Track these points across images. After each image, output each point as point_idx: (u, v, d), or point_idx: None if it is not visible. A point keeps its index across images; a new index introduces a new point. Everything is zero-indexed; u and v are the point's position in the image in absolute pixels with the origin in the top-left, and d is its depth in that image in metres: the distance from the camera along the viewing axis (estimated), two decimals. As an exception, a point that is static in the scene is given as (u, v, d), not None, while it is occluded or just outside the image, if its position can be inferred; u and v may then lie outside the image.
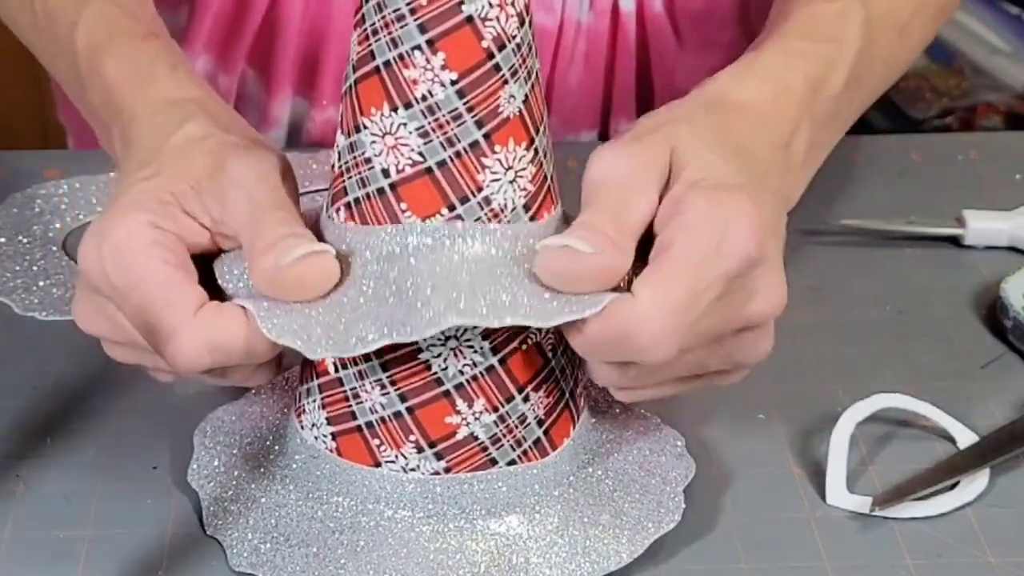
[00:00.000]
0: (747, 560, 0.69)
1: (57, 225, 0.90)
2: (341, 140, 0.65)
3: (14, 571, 0.68)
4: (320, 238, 0.65)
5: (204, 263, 0.67)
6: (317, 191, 0.93)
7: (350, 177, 0.64)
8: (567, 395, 0.68)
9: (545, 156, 0.65)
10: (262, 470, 0.70)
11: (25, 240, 0.88)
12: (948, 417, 0.76)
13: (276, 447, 0.71)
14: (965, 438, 0.75)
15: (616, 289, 0.62)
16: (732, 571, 0.69)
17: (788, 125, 0.72)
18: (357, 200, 0.64)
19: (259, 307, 0.63)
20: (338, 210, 0.65)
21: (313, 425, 0.68)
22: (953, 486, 0.73)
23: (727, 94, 0.71)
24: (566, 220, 0.67)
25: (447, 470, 0.66)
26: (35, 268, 0.86)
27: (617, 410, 0.74)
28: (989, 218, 0.91)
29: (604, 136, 1.02)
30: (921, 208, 0.93)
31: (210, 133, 0.69)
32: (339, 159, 0.65)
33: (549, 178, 0.65)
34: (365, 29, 0.62)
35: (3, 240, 0.88)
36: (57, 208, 0.91)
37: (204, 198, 0.66)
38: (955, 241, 0.91)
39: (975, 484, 0.73)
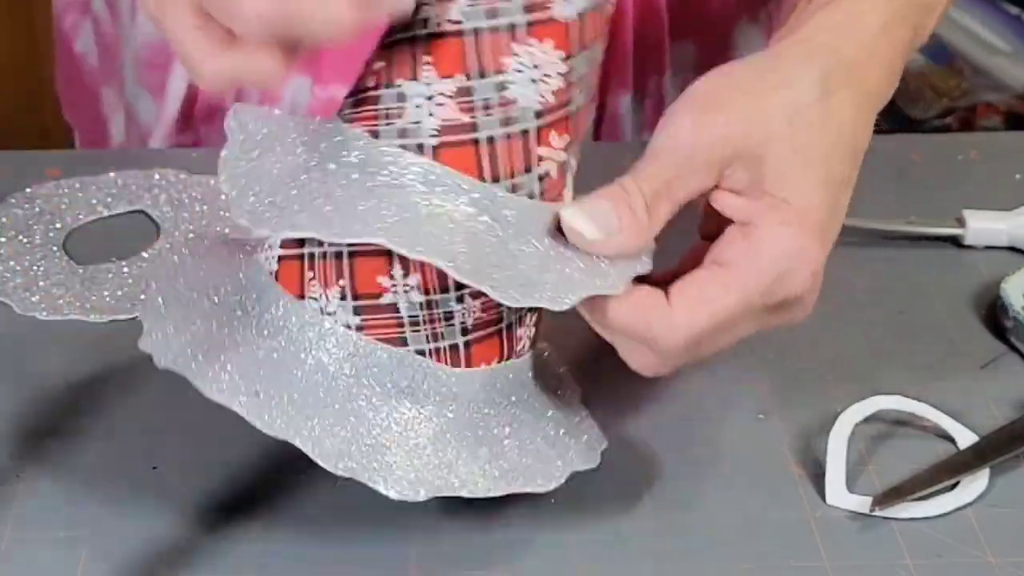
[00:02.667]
0: (747, 560, 0.69)
1: (57, 225, 0.90)
2: None
3: (14, 571, 0.68)
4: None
5: None
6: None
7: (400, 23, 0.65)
8: (503, 325, 0.68)
9: (580, 81, 0.65)
10: (210, 278, 0.71)
11: (25, 240, 0.88)
12: (948, 417, 0.76)
13: (235, 263, 0.71)
14: (965, 438, 0.75)
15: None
16: (732, 571, 0.69)
17: (887, 87, 0.71)
18: (393, 43, 0.65)
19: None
20: (373, 52, 0.66)
21: (269, 247, 0.69)
22: (953, 486, 0.73)
23: (840, 50, 0.68)
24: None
25: (359, 328, 0.66)
26: (35, 268, 0.86)
27: (550, 388, 0.73)
28: (989, 218, 0.91)
29: (601, 113, 1.03)
30: (921, 208, 0.93)
31: None
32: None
33: (574, 106, 0.66)
34: None
35: (3, 240, 0.88)
36: (57, 208, 0.91)
37: None
38: (955, 241, 0.91)
39: (975, 484, 0.73)
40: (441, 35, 0.64)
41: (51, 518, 0.70)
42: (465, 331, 0.67)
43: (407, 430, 0.66)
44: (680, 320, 0.65)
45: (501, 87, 0.64)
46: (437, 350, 0.67)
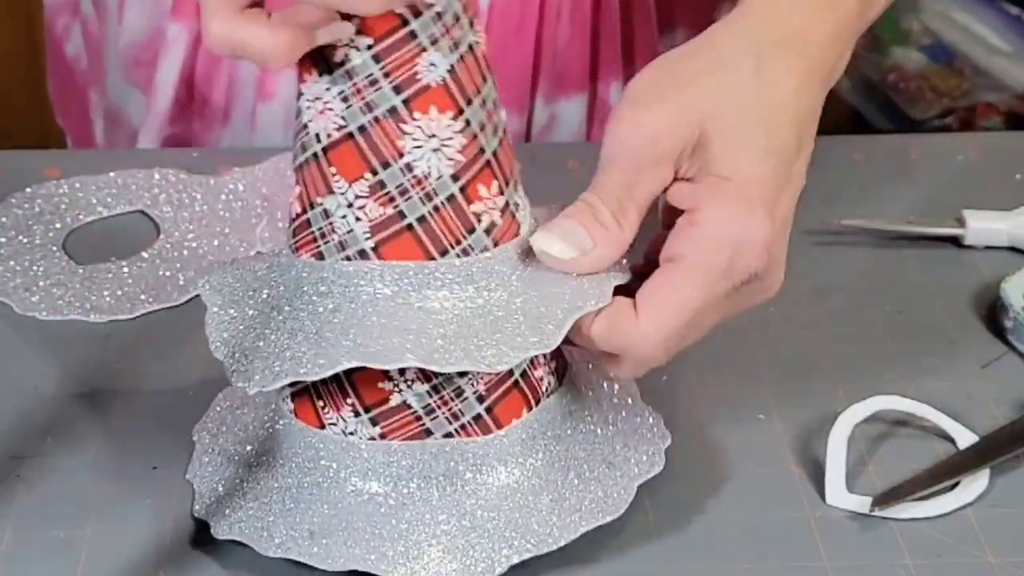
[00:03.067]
0: (747, 560, 0.69)
1: (57, 225, 0.90)
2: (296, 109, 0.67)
3: (14, 571, 0.68)
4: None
5: None
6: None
7: (296, 143, 0.66)
8: (516, 376, 0.68)
9: (482, 129, 0.65)
10: (250, 432, 0.72)
11: (25, 240, 0.88)
12: (948, 418, 0.76)
13: (268, 413, 0.72)
14: (965, 438, 0.75)
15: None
16: (732, 571, 0.69)
17: (835, 58, 0.70)
18: (300, 165, 0.66)
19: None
20: (292, 172, 0.67)
21: (284, 387, 0.69)
22: (953, 486, 0.73)
23: (775, 23, 0.68)
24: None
25: (383, 436, 0.67)
26: (35, 268, 0.86)
27: (605, 404, 0.73)
28: (989, 218, 0.91)
29: (593, 103, 1.03)
30: (921, 208, 0.93)
31: None
32: (296, 125, 0.67)
33: (489, 152, 0.65)
34: None
35: (3, 240, 0.88)
36: (57, 208, 0.91)
37: None
38: (955, 241, 0.91)
39: (975, 484, 0.73)
40: (334, 143, 0.64)
41: (51, 518, 0.70)
42: (481, 399, 0.67)
43: (462, 516, 0.67)
44: (648, 328, 0.65)
45: (408, 169, 0.64)
46: (463, 427, 0.67)
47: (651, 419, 0.73)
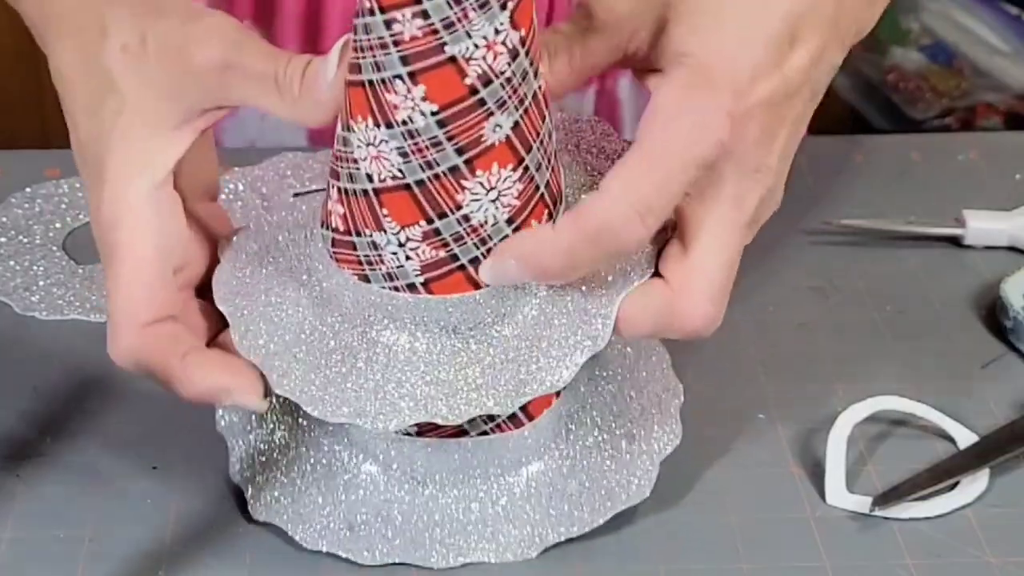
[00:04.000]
0: (747, 560, 0.69)
1: (57, 225, 0.90)
2: (338, 128, 0.65)
3: (14, 571, 0.68)
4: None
5: None
6: (318, 191, 0.92)
7: (342, 167, 0.65)
8: None
9: (538, 168, 0.64)
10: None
11: (25, 240, 0.88)
12: (947, 418, 0.76)
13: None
14: (965, 438, 0.75)
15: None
16: (732, 571, 0.69)
17: None
18: (346, 191, 0.64)
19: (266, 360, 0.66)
20: (334, 190, 0.66)
21: None
22: (953, 486, 0.73)
23: None
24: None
25: (420, 434, 0.67)
26: (35, 268, 0.86)
27: (618, 371, 0.74)
28: (989, 218, 0.91)
29: (600, 96, 1.03)
30: (921, 208, 0.93)
31: (142, 30, 0.65)
32: (336, 143, 0.65)
33: (543, 186, 0.64)
34: (357, 40, 0.61)
35: (3, 240, 0.88)
36: (57, 208, 0.91)
37: (193, 94, 0.66)
38: (955, 241, 0.91)
39: (975, 484, 0.73)
40: (388, 189, 0.62)
41: (51, 518, 0.70)
42: None
43: (495, 504, 0.68)
44: (617, 192, 0.62)
45: (465, 219, 0.62)
46: (498, 425, 0.68)
47: (663, 365, 0.74)
